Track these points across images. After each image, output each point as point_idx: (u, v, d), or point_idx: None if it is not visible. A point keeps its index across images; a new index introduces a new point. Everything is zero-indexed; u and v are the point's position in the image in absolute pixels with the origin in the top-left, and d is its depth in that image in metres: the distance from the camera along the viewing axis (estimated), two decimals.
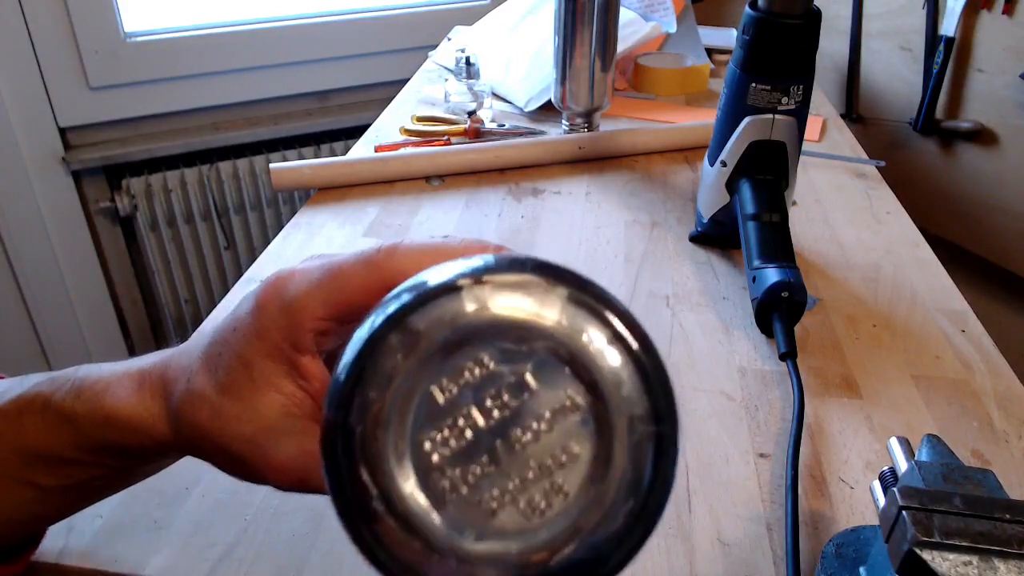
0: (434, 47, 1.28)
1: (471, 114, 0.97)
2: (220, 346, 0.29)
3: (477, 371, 0.20)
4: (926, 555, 0.29)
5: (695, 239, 0.74)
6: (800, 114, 0.65)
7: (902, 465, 0.36)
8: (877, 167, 0.88)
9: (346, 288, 0.27)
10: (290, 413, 0.28)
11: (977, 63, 1.20)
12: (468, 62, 1.02)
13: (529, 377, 0.21)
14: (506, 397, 0.20)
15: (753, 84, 0.63)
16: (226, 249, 1.66)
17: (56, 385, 0.31)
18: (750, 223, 0.63)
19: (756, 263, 0.60)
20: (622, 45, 0.97)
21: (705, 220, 0.71)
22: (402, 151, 0.88)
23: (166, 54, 1.51)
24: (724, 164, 0.67)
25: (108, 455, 0.31)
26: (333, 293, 0.27)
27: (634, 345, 0.21)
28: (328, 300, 0.27)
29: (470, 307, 0.20)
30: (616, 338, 0.20)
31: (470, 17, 1.39)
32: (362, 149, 0.93)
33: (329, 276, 0.27)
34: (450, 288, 0.21)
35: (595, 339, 0.20)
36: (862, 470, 0.49)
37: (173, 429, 0.29)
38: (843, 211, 0.79)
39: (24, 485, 0.31)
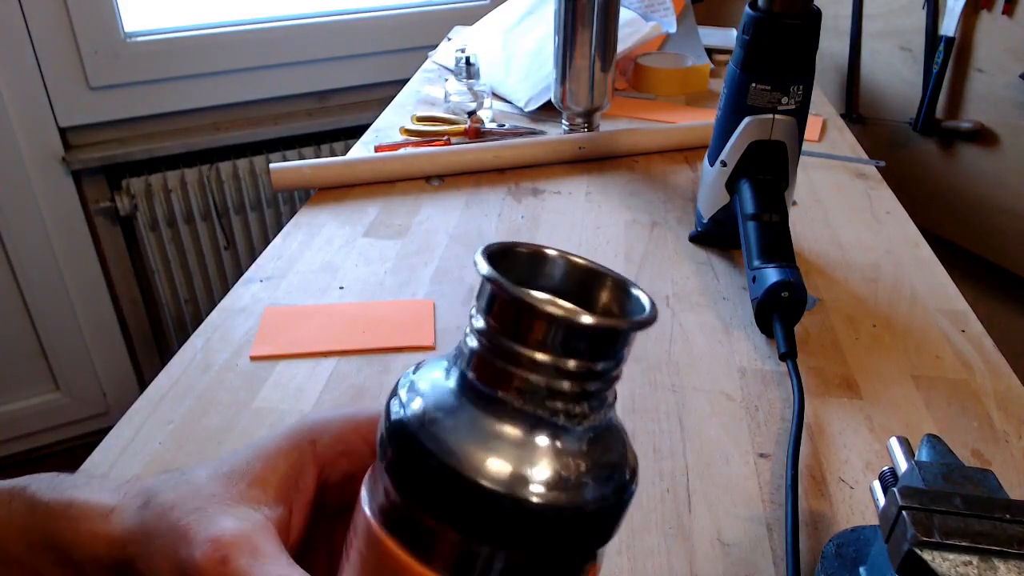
0: (434, 47, 1.28)
1: (471, 114, 0.97)
2: (233, 454, 0.27)
3: None
4: (926, 555, 0.29)
5: (695, 239, 0.74)
6: (800, 114, 0.65)
7: (902, 465, 0.36)
8: (877, 167, 0.88)
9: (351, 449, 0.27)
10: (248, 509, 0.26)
11: (977, 63, 1.20)
12: (468, 62, 1.02)
13: None
14: None
15: (753, 84, 0.63)
16: (226, 249, 1.66)
17: (42, 478, 0.29)
18: (750, 223, 0.63)
19: (756, 263, 0.60)
20: (622, 45, 0.97)
21: (705, 220, 0.71)
22: (402, 151, 0.88)
23: (166, 54, 1.51)
24: (724, 164, 0.67)
25: (50, 558, 0.28)
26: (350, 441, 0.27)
27: None
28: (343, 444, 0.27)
29: None
30: None
31: (470, 17, 1.39)
32: (362, 149, 0.93)
33: (349, 423, 0.27)
34: None
35: None
36: (862, 470, 0.49)
37: (138, 513, 0.26)
38: (843, 211, 0.79)
39: None
